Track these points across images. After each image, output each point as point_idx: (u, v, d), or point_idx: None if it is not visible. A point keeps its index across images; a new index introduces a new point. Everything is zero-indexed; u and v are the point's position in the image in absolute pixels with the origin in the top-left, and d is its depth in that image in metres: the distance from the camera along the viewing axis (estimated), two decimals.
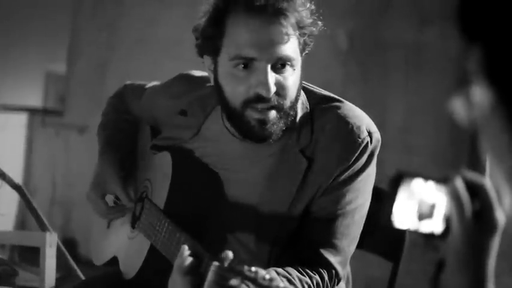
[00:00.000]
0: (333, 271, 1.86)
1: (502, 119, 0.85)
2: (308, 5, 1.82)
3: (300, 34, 1.80)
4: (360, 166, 1.85)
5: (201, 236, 1.81)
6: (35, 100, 5.16)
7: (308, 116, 1.89)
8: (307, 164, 1.85)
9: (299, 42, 1.81)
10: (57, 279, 2.66)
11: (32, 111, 5.20)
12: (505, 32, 0.83)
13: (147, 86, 2.24)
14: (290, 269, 1.80)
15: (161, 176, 2.00)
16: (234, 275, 1.41)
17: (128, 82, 2.34)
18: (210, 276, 1.46)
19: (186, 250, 1.63)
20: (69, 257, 3.28)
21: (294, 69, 1.80)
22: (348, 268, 2.04)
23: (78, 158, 5.14)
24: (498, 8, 0.85)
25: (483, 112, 0.87)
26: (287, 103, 1.81)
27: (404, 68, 4.22)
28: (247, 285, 1.39)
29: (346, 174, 1.85)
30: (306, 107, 1.91)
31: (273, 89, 1.76)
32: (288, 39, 1.76)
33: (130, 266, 2.03)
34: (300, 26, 1.79)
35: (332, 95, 1.95)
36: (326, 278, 1.85)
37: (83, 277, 3.23)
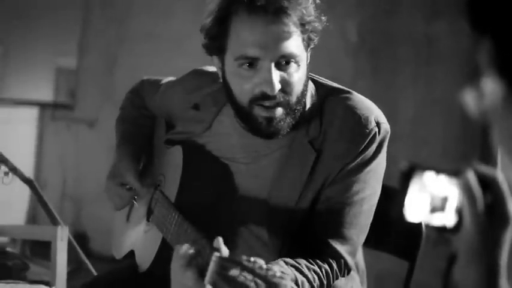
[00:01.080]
0: (342, 260, 1.87)
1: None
2: (311, 0, 1.84)
3: (302, 31, 1.81)
4: (368, 156, 1.87)
5: (212, 227, 1.82)
6: (46, 94, 5.17)
7: (317, 108, 1.91)
8: (316, 155, 1.88)
9: (303, 39, 1.82)
10: (68, 273, 2.67)
11: (42, 106, 5.21)
12: None
13: (162, 82, 2.28)
14: (299, 259, 1.81)
15: (173, 169, 2.03)
16: (234, 265, 1.44)
17: (145, 77, 2.38)
18: (211, 266, 1.49)
19: (185, 244, 1.64)
20: (80, 251, 3.30)
21: (299, 66, 1.82)
22: (363, 264, 2.05)
23: (89, 152, 5.16)
24: (507, 0, 0.85)
25: (494, 104, 0.87)
26: (293, 99, 1.83)
27: (414, 61, 4.21)
28: (245, 276, 1.42)
29: (354, 164, 1.86)
30: (315, 99, 1.93)
31: (278, 86, 1.79)
32: (291, 37, 1.78)
33: (145, 258, 2.07)
34: (302, 23, 1.80)
35: (341, 87, 1.97)
36: (335, 267, 1.86)
37: (93, 271, 3.25)
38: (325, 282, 1.83)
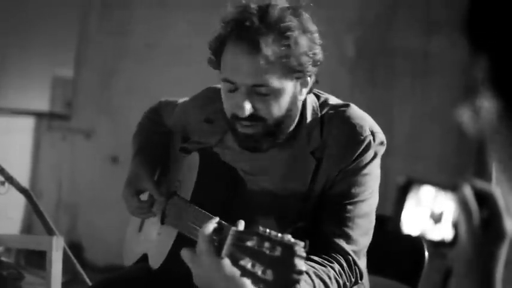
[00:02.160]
0: (349, 257, 1.95)
1: (509, 129, 0.85)
2: (310, 29, 1.94)
3: (285, 62, 1.90)
4: (363, 162, 1.98)
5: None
6: (42, 104, 5.16)
7: (318, 121, 2.03)
8: (316, 163, 2.00)
9: (285, 70, 1.91)
10: (63, 284, 2.66)
11: (38, 115, 5.21)
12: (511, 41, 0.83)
13: (178, 102, 2.41)
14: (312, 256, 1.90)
15: (189, 173, 2.15)
16: (250, 236, 1.49)
17: (163, 99, 2.50)
18: (229, 239, 1.54)
19: (208, 224, 1.68)
20: (75, 261, 3.29)
21: (277, 95, 1.92)
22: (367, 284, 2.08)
23: (84, 163, 5.15)
24: (505, 17, 0.86)
25: (490, 122, 0.87)
26: (270, 121, 1.95)
27: (411, 76, 4.22)
28: (262, 244, 1.46)
29: (351, 168, 1.97)
30: (317, 113, 2.04)
31: (247, 112, 1.92)
32: (266, 68, 1.89)
33: (158, 257, 2.13)
34: (286, 55, 1.89)
35: (341, 101, 2.09)
36: (344, 264, 1.93)
37: (88, 281, 3.24)
38: (341, 282, 1.90)
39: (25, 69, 5.04)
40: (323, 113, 2.04)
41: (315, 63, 1.95)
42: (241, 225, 1.60)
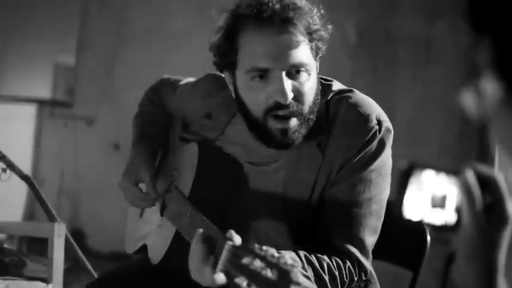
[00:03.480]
0: (355, 259, 1.87)
1: (511, 111, 0.84)
2: (315, 10, 1.87)
3: (310, 39, 1.84)
4: (370, 154, 1.88)
5: (224, 224, 1.84)
6: (44, 91, 5.16)
7: (323, 110, 1.93)
8: (323, 157, 1.91)
9: (311, 48, 1.86)
10: (65, 270, 2.67)
11: (40, 103, 5.21)
12: None
13: (181, 83, 2.31)
14: (316, 253, 1.83)
15: (188, 165, 2.07)
16: (247, 253, 1.45)
17: (165, 76, 2.41)
18: (224, 254, 1.51)
19: (200, 235, 1.65)
20: (77, 248, 3.29)
21: (309, 75, 1.85)
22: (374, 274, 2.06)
23: (86, 149, 5.15)
24: (507, 1, 0.85)
25: (493, 105, 0.87)
26: (306, 108, 1.85)
27: (413, 61, 4.21)
28: (257, 263, 1.43)
29: (356, 161, 1.88)
30: (322, 102, 1.94)
31: (290, 95, 1.81)
32: (299, 46, 1.81)
33: (157, 252, 2.09)
34: (309, 32, 1.84)
35: (345, 87, 2.00)
36: (348, 264, 1.86)
37: (90, 268, 3.24)
38: (336, 273, 1.83)
39: (27, 57, 5.04)
40: (328, 99, 1.95)
41: (324, 41, 1.89)
42: (236, 238, 1.54)
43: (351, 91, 1.96)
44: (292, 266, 1.40)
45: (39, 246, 2.99)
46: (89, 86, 5.15)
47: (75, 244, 3.29)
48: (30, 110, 5.20)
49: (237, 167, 2.02)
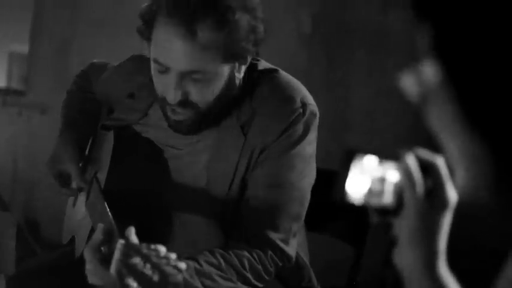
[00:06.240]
0: (277, 247, 1.83)
1: (450, 95, 0.85)
2: (254, 10, 1.78)
3: (222, 47, 1.76)
4: (293, 138, 1.83)
5: (143, 215, 1.81)
6: None
7: (248, 92, 1.88)
8: (245, 139, 1.85)
9: (223, 55, 1.77)
10: (16, 261, 2.65)
11: None
12: (453, 10, 0.84)
13: (109, 66, 2.24)
14: (235, 250, 1.79)
15: (106, 155, 2.01)
16: (136, 253, 1.43)
17: (95, 60, 2.33)
18: (116, 254, 1.48)
19: (99, 230, 1.62)
20: (30, 238, 3.27)
21: (211, 80, 1.79)
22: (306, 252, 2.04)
23: (41, 138, 5.10)
24: None
25: (432, 88, 0.88)
26: (203, 107, 1.81)
27: (368, 51, 4.23)
28: (145, 264, 1.41)
29: (278, 145, 1.83)
30: (246, 83, 1.89)
31: (177, 98, 1.78)
32: (201, 53, 1.74)
33: (80, 244, 2.05)
34: (225, 41, 1.75)
35: (271, 66, 1.93)
36: (270, 253, 1.82)
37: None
38: (260, 267, 1.81)
39: None
40: (251, 80, 1.88)
41: (256, 43, 1.80)
42: (131, 233, 1.51)
43: (276, 71, 1.90)
44: (175, 267, 1.39)
45: None
46: (43, 74, 5.10)
47: (28, 234, 3.26)
48: None
49: (156, 152, 1.96)
